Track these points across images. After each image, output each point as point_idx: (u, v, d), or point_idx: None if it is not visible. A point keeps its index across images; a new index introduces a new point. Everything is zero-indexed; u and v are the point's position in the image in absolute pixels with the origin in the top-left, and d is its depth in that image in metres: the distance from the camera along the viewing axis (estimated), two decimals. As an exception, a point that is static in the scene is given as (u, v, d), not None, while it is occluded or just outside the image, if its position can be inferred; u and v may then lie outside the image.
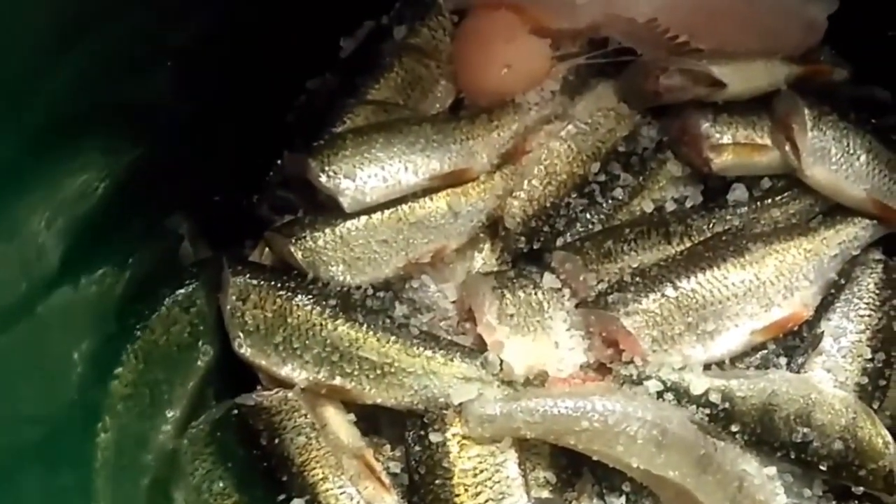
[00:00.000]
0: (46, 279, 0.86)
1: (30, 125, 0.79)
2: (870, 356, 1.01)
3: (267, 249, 1.09)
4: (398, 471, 1.02)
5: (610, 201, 1.13)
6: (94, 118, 0.89)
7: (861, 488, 0.96)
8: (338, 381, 1.00)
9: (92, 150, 0.91)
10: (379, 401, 1.00)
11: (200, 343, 1.04)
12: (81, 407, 0.93)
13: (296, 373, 1.00)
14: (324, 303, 1.01)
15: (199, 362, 1.04)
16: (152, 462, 0.99)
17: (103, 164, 0.92)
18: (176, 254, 1.10)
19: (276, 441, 0.99)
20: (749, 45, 1.09)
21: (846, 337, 1.02)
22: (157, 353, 1.01)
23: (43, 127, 0.81)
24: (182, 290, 1.04)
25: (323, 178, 1.03)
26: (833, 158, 1.06)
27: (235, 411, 1.02)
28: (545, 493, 0.99)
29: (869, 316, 1.03)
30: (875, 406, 1.00)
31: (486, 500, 0.95)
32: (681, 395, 0.96)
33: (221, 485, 1.00)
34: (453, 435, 0.96)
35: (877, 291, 1.04)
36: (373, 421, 1.04)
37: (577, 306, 1.03)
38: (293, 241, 1.04)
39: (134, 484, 0.97)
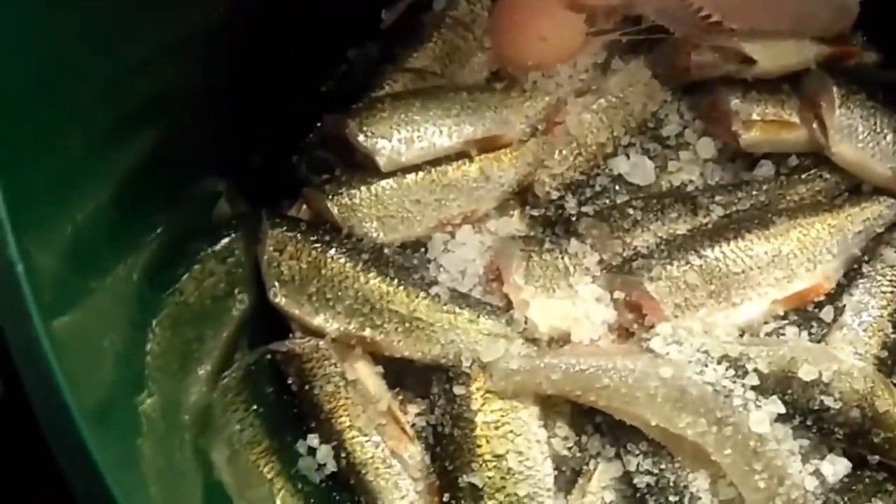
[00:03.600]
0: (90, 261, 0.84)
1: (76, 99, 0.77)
2: (891, 331, 1.03)
3: (304, 207, 1.13)
4: (423, 424, 1.04)
5: (638, 174, 1.15)
6: (137, 87, 0.87)
7: (876, 457, 0.97)
8: (367, 332, 1.03)
9: (132, 117, 0.89)
10: (406, 353, 1.03)
11: (237, 292, 1.07)
12: (124, 381, 0.91)
13: (328, 323, 1.03)
14: (357, 257, 1.04)
15: (234, 311, 1.07)
16: (188, 421, 1.00)
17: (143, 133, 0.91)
18: (210, 215, 1.11)
19: (306, 388, 1.03)
20: (781, 27, 1.11)
21: (868, 312, 1.03)
22: (188, 312, 1.02)
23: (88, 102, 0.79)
24: (219, 244, 1.06)
25: (361, 138, 1.06)
26: (860, 136, 1.07)
27: (268, 357, 1.05)
28: (564, 451, 1.01)
29: (892, 292, 1.04)
30: (894, 381, 1.01)
31: (507, 452, 0.97)
32: (701, 359, 0.98)
33: (252, 432, 1.02)
34: (477, 388, 0.99)
35: (900, 269, 1.05)
36: (400, 375, 1.07)
37: (602, 271, 1.05)
38: (330, 196, 1.07)
39: (179, 445, 0.97)
